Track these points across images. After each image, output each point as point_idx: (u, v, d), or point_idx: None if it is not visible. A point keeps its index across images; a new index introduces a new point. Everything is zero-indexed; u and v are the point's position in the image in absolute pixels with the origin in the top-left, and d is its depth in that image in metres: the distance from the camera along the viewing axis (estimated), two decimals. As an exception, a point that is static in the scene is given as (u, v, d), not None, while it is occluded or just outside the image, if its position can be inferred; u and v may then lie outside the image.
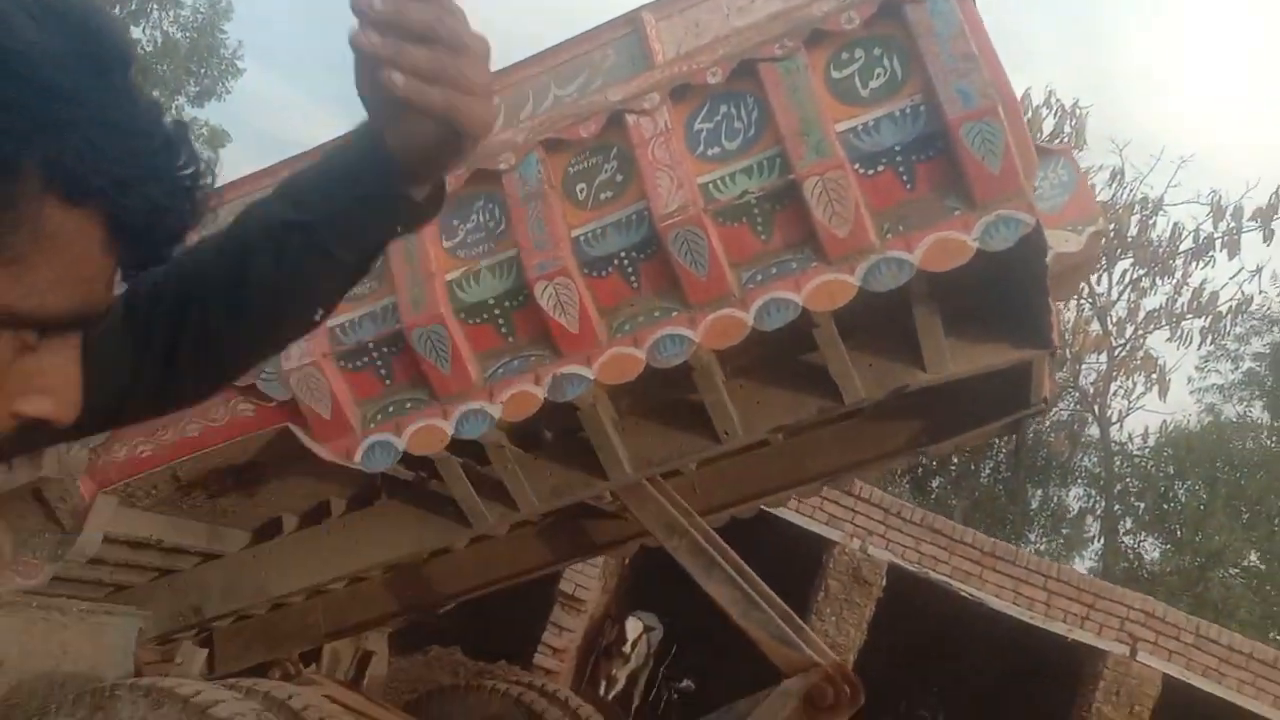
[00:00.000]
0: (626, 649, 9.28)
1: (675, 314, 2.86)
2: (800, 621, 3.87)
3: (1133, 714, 8.88)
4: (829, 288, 2.68)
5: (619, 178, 2.88)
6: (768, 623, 3.71)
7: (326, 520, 3.89)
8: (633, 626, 9.34)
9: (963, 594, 9.22)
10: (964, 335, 3.15)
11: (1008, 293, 3.07)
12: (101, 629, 3.86)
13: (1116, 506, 18.19)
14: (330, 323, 3.17)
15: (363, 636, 5.27)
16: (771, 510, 8.74)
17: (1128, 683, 8.94)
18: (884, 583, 9.19)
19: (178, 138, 0.69)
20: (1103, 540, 18.31)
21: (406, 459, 3.26)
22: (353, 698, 4.46)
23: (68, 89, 0.63)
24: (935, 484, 18.15)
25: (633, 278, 2.91)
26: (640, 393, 3.44)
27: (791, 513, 9.01)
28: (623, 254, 2.89)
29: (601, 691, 8.85)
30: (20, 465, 3.37)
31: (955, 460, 17.94)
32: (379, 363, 3.14)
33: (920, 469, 17.46)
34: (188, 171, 0.69)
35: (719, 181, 2.76)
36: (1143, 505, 18.44)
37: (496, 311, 3.03)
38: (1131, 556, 18.46)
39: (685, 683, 9.68)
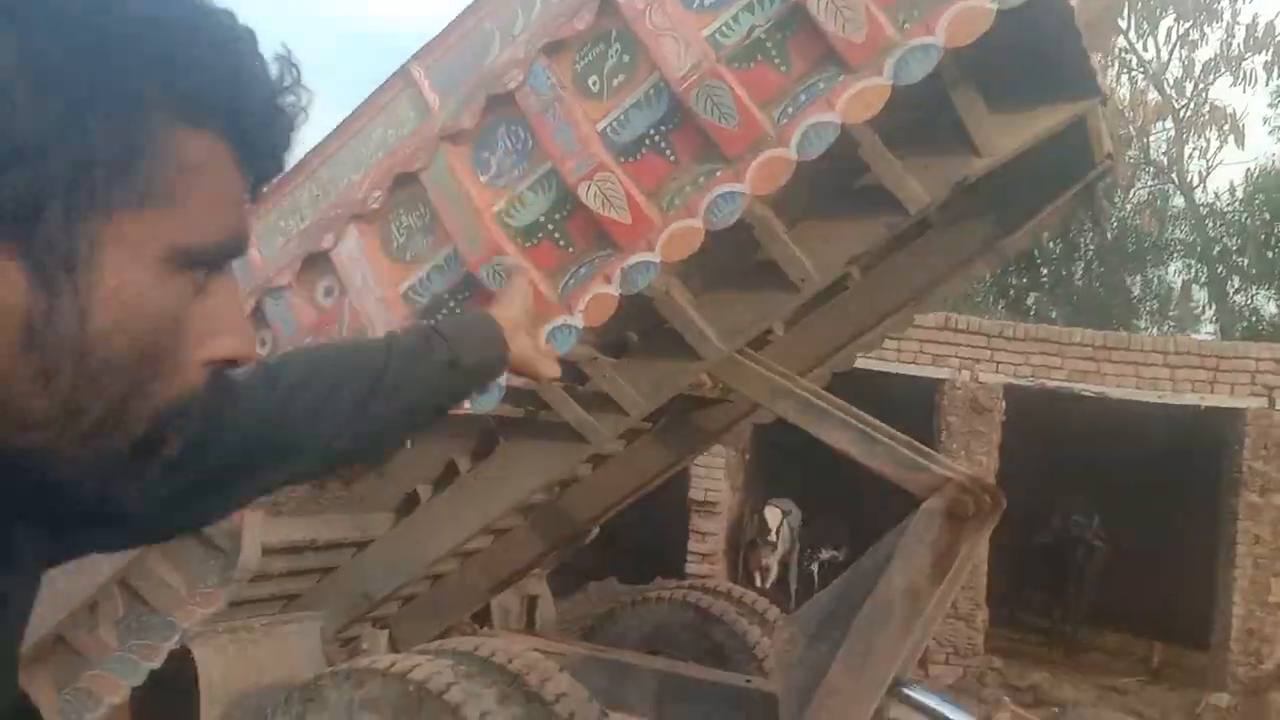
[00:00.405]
0: (772, 537, 9.44)
1: (719, 173, 2.86)
2: (925, 448, 3.89)
3: (1285, 462, 8.72)
4: (862, 96, 2.65)
5: (626, 58, 2.87)
6: (892, 453, 3.74)
7: (457, 479, 4.03)
8: (772, 515, 9.48)
9: (1085, 394, 9.11)
10: (1009, 108, 3.08)
11: (1042, 52, 2.99)
12: (287, 638, 4.09)
13: (1219, 268, 17.59)
14: (401, 287, 3.26)
15: (523, 585, 5.48)
16: (875, 366, 8.74)
17: (1273, 433, 8.76)
18: (1003, 405, 9.12)
19: (254, 41, 0.69)
20: (1214, 306, 17.78)
21: (511, 392, 3.35)
22: (532, 640, 4.67)
23: (166, 15, 0.63)
24: (1030, 300, 17.77)
25: (668, 152, 2.91)
26: (709, 268, 3.47)
27: (894, 363, 8.98)
28: (652, 131, 2.89)
29: (758, 582, 9.04)
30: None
31: (1045, 271, 17.55)
32: (457, 310, 3.22)
33: (1012, 289, 17.13)
34: (276, 74, 0.70)
35: (723, 28, 2.74)
36: (1246, 260, 17.79)
37: (550, 227, 3.07)
38: (1247, 314, 17.89)
39: (830, 553, 9.80)
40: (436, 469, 4.11)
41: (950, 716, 3.86)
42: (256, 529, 3.62)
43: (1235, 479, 8.80)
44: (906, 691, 3.90)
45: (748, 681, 4.56)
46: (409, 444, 3.71)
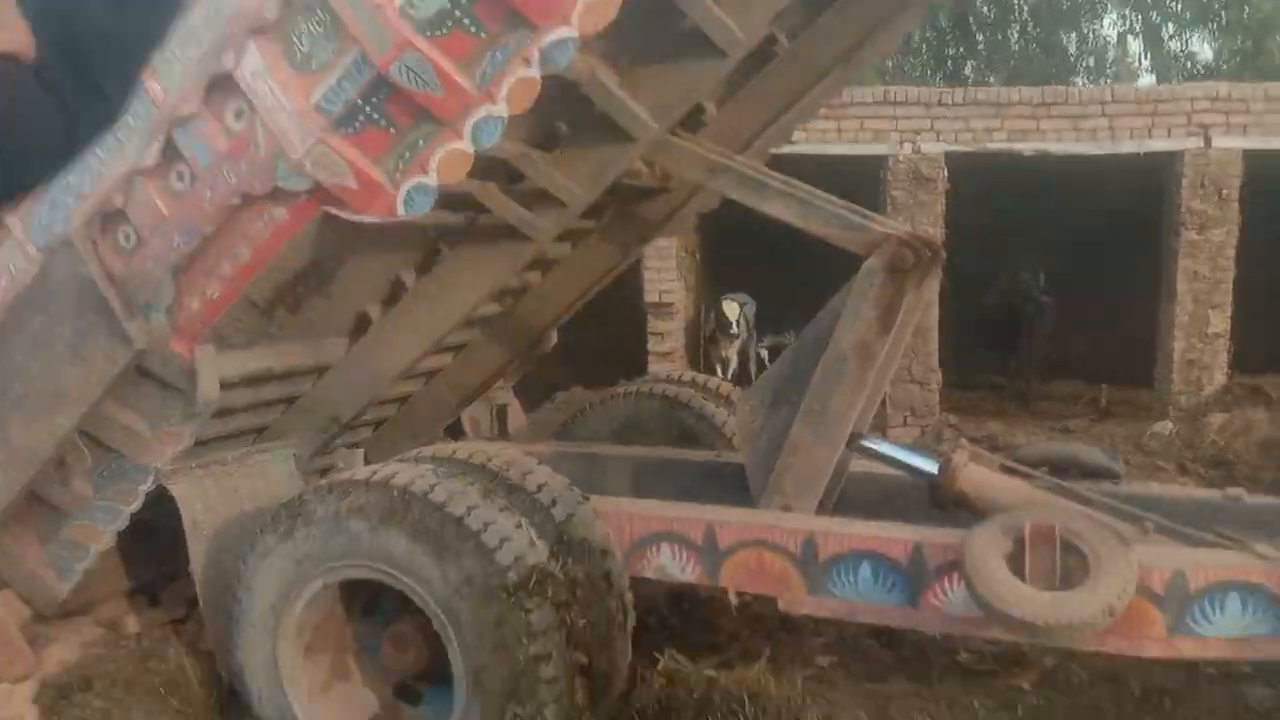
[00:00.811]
0: (734, 330, 9.61)
1: (626, -65, 2.73)
2: (864, 210, 3.91)
3: (1222, 199, 8.88)
4: None
5: None
6: (831, 216, 3.77)
7: (405, 293, 4.02)
8: (730, 308, 9.62)
9: (1026, 153, 9.13)
10: None
11: None
12: (263, 467, 4.17)
13: (1154, 15, 17.37)
14: (313, 99, 3.14)
15: (490, 397, 5.58)
16: (817, 150, 8.68)
17: (1210, 171, 8.88)
18: (945, 174, 9.14)
19: None
20: (1149, 55, 17.67)
21: (447, 200, 3.30)
22: (505, 444, 4.78)
23: None
24: (968, 70, 17.55)
25: (573, -81, 2.77)
26: (632, 44, 3.37)
27: (836, 144, 8.92)
28: (552, -104, 2.74)
29: (719, 374, 9.27)
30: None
31: (981, 37, 17.25)
32: (375, 115, 3.11)
33: (949, 59, 16.87)
34: None
35: None
36: (1179, 4, 17.56)
37: (458, 13, 2.94)
38: (1183, 59, 17.82)
39: (785, 337, 10.00)
40: (383, 287, 4.08)
41: (908, 460, 4.06)
42: (209, 363, 3.62)
43: (1175, 220, 8.98)
44: (865, 444, 4.09)
45: (717, 456, 4.73)
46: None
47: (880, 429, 8.20)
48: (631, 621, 3.37)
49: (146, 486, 3.80)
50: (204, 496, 3.90)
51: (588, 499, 3.55)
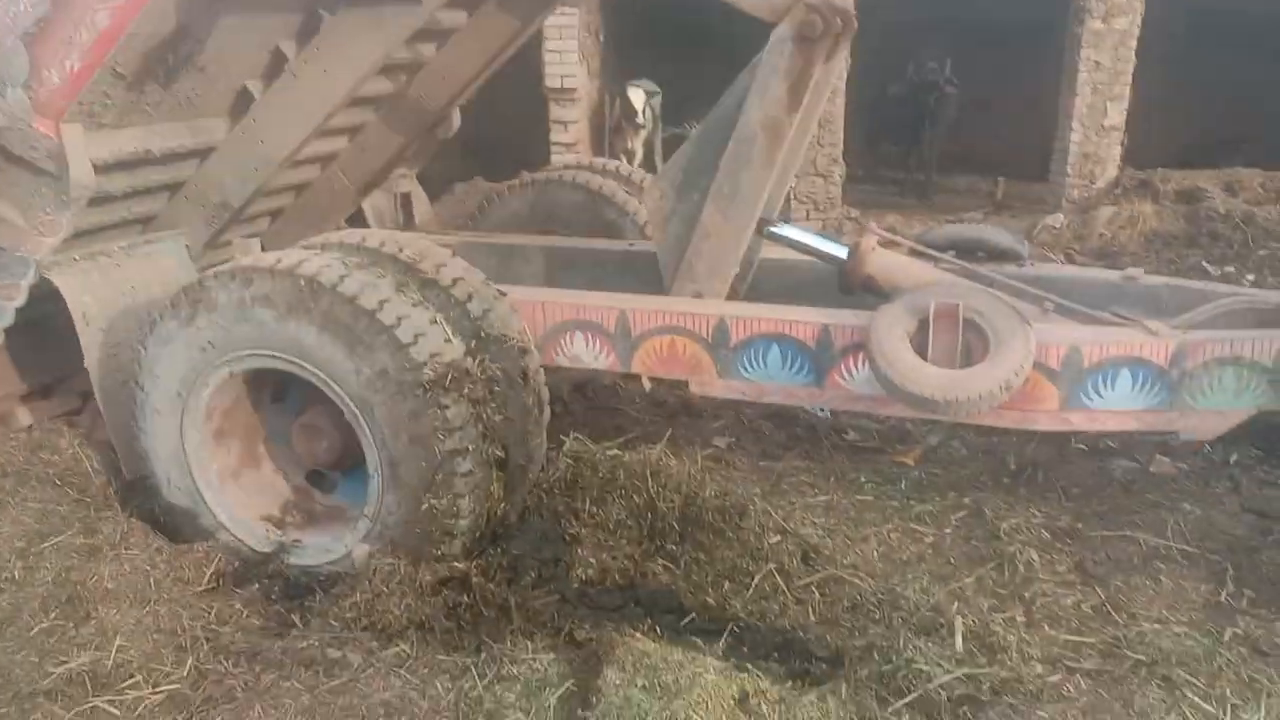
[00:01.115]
0: (639, 119, 9.32)
1: None
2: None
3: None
4: None
5: None
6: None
7: (286, 66, 3.72)
8: (635, 95, 9.29)
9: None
10: None
11: None
12: (153, 257, 3.93)
13: None
14: None
15: (392, 185, 5.34)
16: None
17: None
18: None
19: None
20: None
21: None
22: (416, 234, 4.59)
23: None
24: None
25: None
26: None
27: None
28: None
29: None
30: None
31: None
32: None
33: None
34: None
35: None
36: None
37: None
38: None
39: (686, 128, 9.77)
40: (262, 59, 3.76)
41: (817, 245, 4.06)
42: (78, 143, 3.32)
43: (1080, 6, 8.89)
44: (773, 229, 4.06)
45: (630, 245, 4.66)
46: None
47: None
48: (547, 416, 3.38)
49: (29, 279, 3.55)
50: (91, 288, 3.67)
51: (504, 294, 3.46)
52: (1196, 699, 2.56)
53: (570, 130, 8.78)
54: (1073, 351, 3.26)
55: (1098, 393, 3.29)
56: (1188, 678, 2.63)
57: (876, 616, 2.89)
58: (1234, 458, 4.04)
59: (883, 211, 9.38)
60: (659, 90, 9.82)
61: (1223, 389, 3.32)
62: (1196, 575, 3.19)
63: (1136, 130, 9.29)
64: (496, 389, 3.21)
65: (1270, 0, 9.56)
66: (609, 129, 9.49)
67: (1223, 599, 3.06)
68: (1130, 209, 8.41)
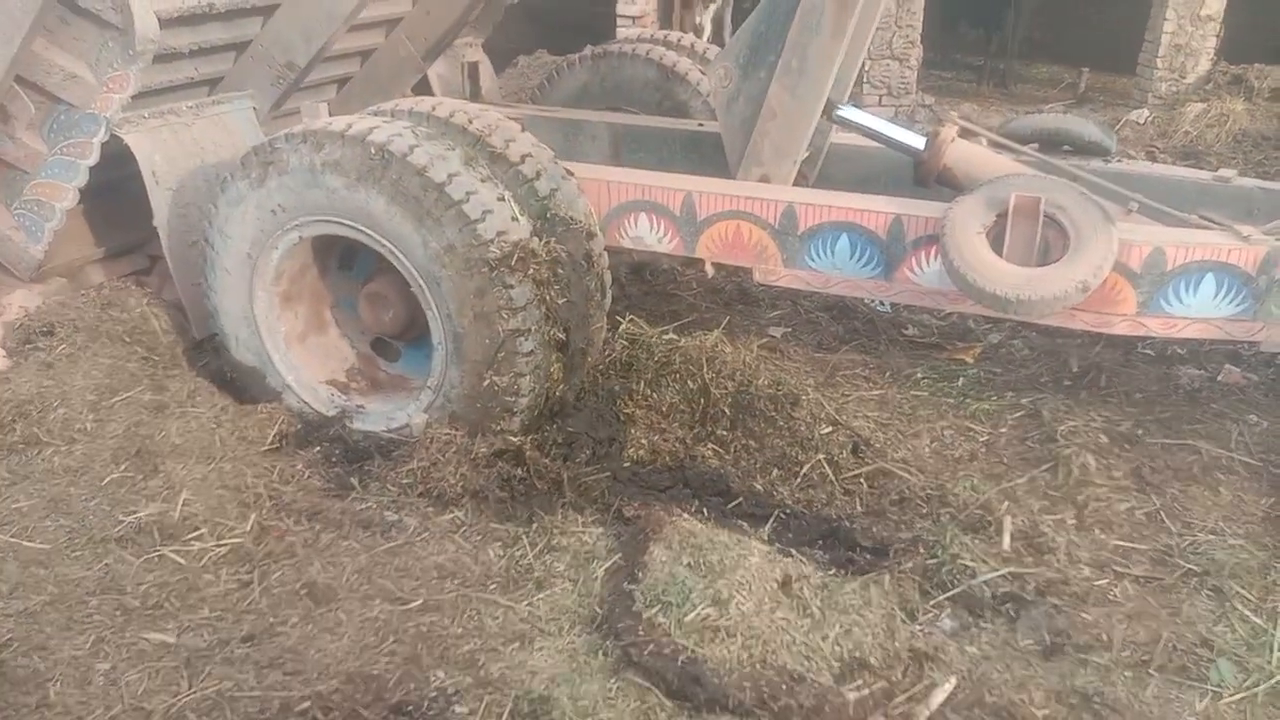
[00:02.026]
0: (705, -7, 8.99)
1: None
2: None
3: None
4: None
5: None
6: None
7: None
8: (702, -26, 8.93)
9: None
10: None
11: None
12: (221, 118, 3.93)
13: None
14: None
15: (458, 53, 5.24)
16: None
17: None
18: None
19: None
20: None
21: None
22: (485, 105, 4.52)
23: None
24: None
25: None
26: None
27: None
28: None
29: (695, 42, 8.76)
30: None
31: None
32: None
33: None
34: None
35: None
36: None
37: None
38: None
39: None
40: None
41: (891, 134, 3.92)
42: (142, -7, 3.29)
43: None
44: (842, 113, 3.91)
45: (700, 125, 4.55)
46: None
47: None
48: (608, 300, 3.37)
49: (100, 137, 3.58)
50: (162, 147, 3.69)
51: (572, 174, 3.41)
52: (1247, 611, 2.54)
53: (637, 3, 8.50)
54: (1156, 253, 3.15)
55: (1179, 298, 3.19)
56: (1239, 590, 2.61)
57: (924, 511, 2.90)
58: (1305, 370, 3.93)
59: (959, 99, 9.05)
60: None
61: (1313, 301, 3.20)
62: (1258, 488, 3.13)
63: (1235, 21, 8.74)
64: (561, 271, 3.19)
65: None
66: (679, 2, 9.17)
67: (1283, 512, 3.02)
68: (1221, 106, 7.99)
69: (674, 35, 5.35)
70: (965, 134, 3.93)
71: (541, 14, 7.21)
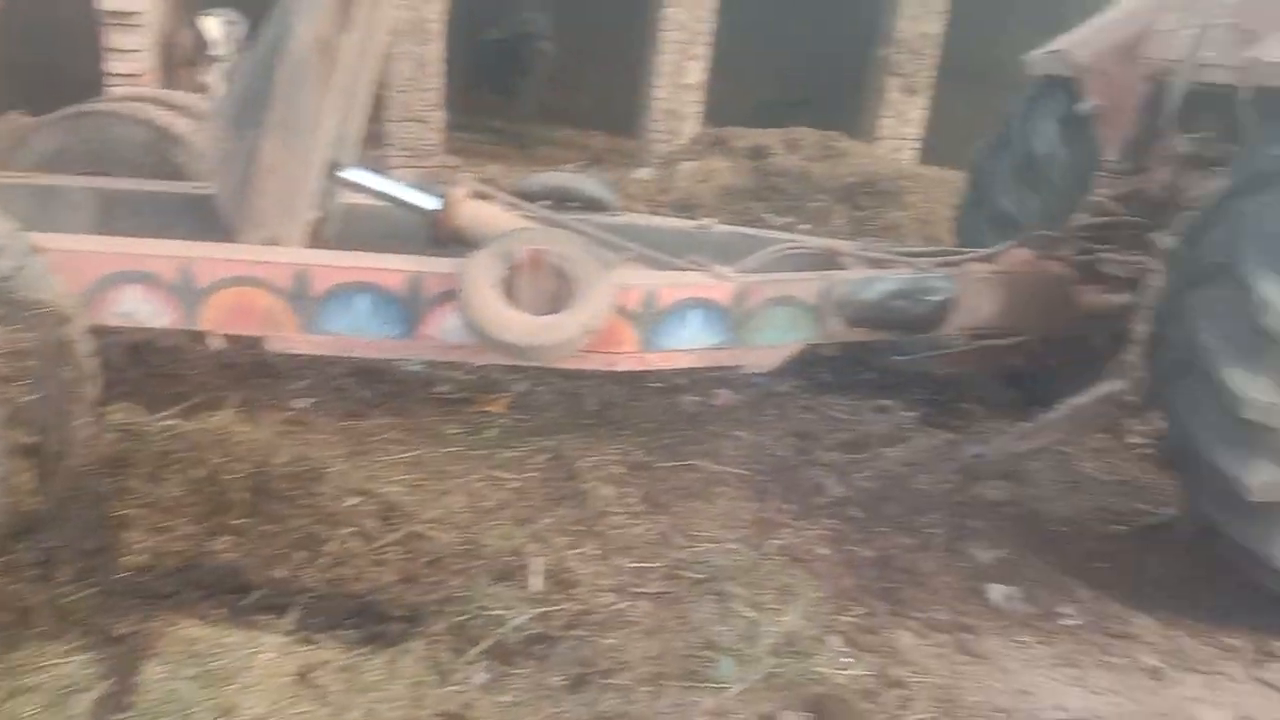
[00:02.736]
0: (214, 50, 8.51)
1: None
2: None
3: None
4: None
5: None
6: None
7: None
8: (212, 24, 8.46)
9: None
10: None
11: None
12: None
13: None
14: None
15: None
16: None
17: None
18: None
19: None
20: None
21: None
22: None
23: None
24: None
25: None
26: None
27: None
28: None
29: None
30: None
31: None
32: None
33: None
34: None
35: None
36: None
37: None
38: None
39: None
40: None
41: (401, 194, 3.94)
42: None
43: (662, -32, 9.41)
44: (347, 174, 3.86)
45: (198, 188, 4.23)
46: None
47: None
48: (95, 391, 2.98)
49: None
50: None
51: (41, 249, 2.98)
52: (743, 608, 2.84)
53: (130, 60, 7.82)
54: (650, 294, 3.46)
55: (673, 333, 3.53)
56: (736, 589, 2.91)
57: (457, 568, 2.90)
58: (783, 388, 4.54)
59: (485, 161, 9.41)
60: (242, 19, 9.03)
61: (777, 325, 3.70)
62: (747, 495, 3.54)
63: (716, 89, 10.04)
64: (26, 364, 2.77)
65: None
66: (179, 61, 8.58)
67: (768, 515, 3.43)
68: (708, 164, 9.11)
69: (170, 94, 4.97)
70: (478, 194, 4.07)
71: (16, 66, 6.36)
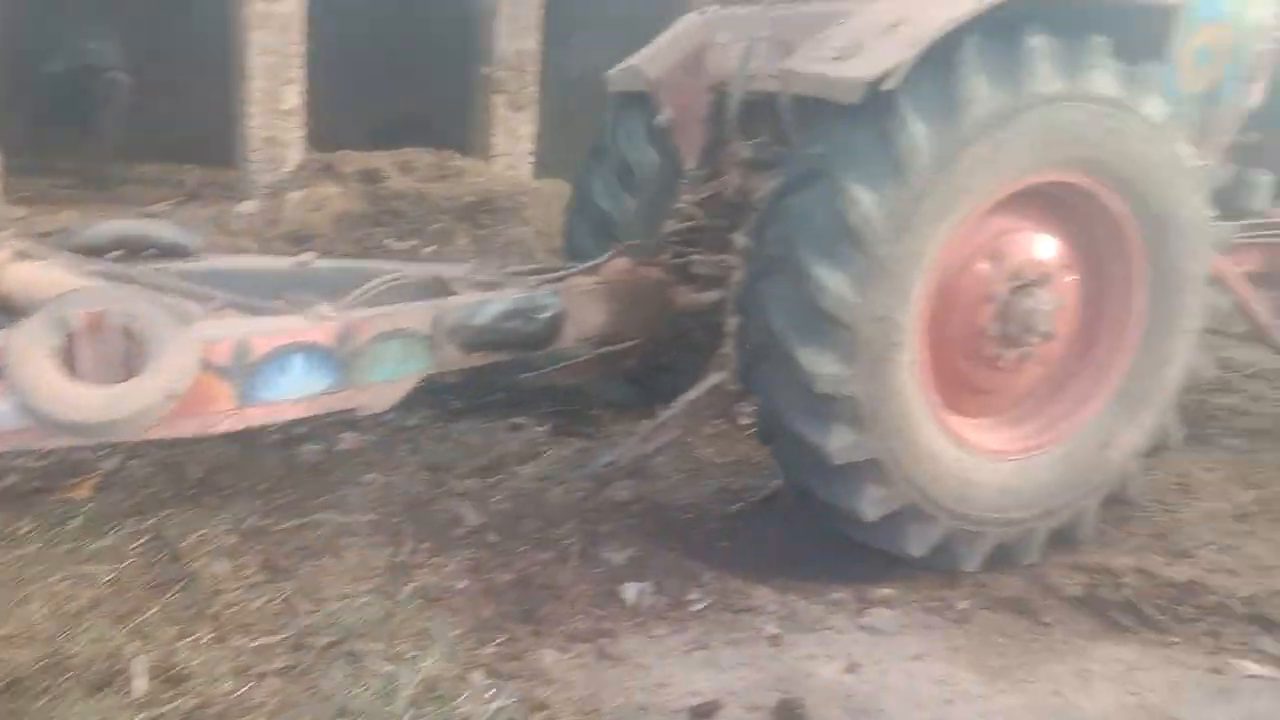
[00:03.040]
0: None
1: None
2: None
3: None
4: None
5: None
6: None
7: None
8: None
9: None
10: None
11: None
12: None
13: None
14: None
15: None
16: None
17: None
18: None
19: None
20: None
21: None
22: None
23: None
24: None
25: None
26: None
27: None
28: None
29: None
30: None
31: None
32: None
33: None
34: None
35: None
36: None
37: None
38: None
39: None
40: None
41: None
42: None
43: (240, -11, 8.88)
44: None
45: None
46: None
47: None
48: None
49: None
50: None
51: None
52: (378, 663, 2.70)
53: None
54: (241, 345, 3.21)
55: (273, 383, 3.30)
56: (369, 646, 2.77)
57: (41, 689, 2.51)
58: (413, 421, 4.42)
59: (56, 208, 8.37)
60: None
61: (390, 360, 3.58)
62: (380, 541, 3.39)
63: (319, 114, 9.64)
64: None
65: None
66: None
67: (402, 558, 3.31)
68: (318, 192, 8.71)
69: None
70: (21, 254, 3.59)
71: None
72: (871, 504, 3.30)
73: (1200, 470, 4.62)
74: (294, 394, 3.35)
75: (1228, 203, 3.89)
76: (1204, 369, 3.85)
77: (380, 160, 9.37)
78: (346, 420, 4.28)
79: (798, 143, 3.55)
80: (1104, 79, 3.30)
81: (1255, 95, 4.40)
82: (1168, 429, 3.80)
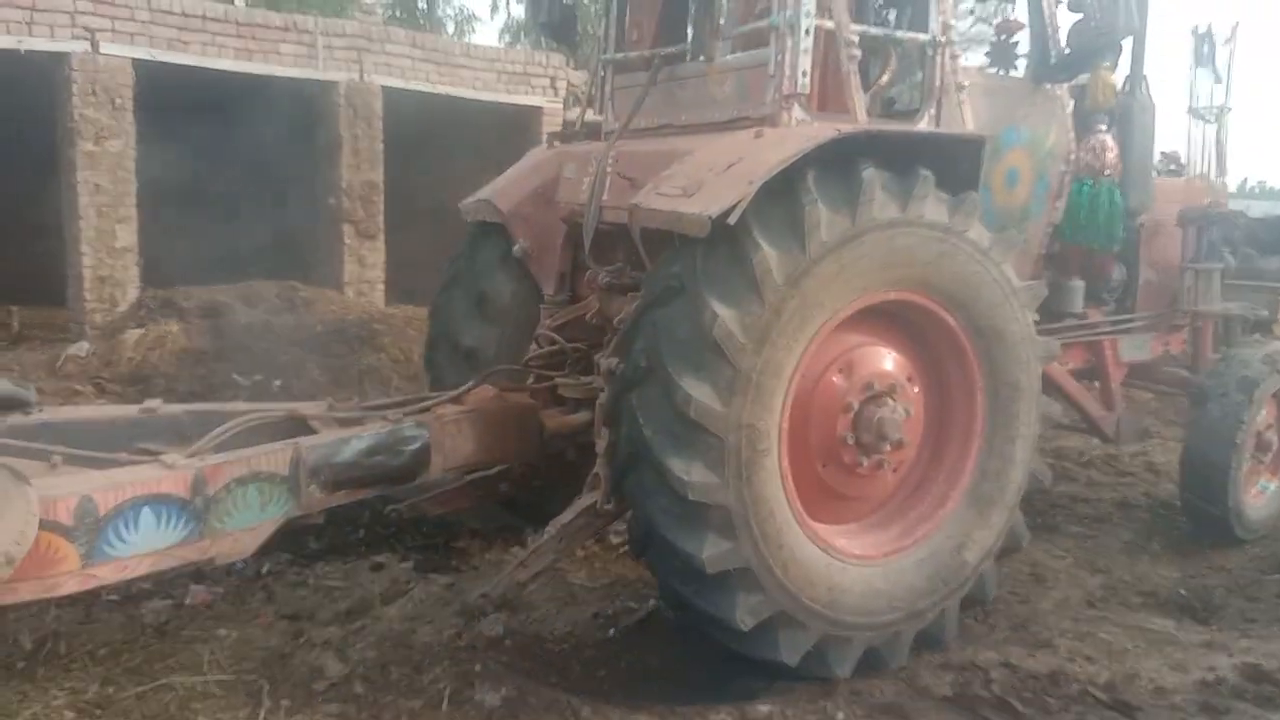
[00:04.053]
0: None
1: None
2: None
3: (115, 108, 8.76)
4: None
5: None
6: None
7: None
8: None
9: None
10: None
11: None
12: None
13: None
14: None
15: None
16: None
17: (100, 78, 8.65)
18: None
19: None
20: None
21: None
22: None
23: None
24: None
25: None
26: None
27: None
28: None
29: None
30: None
31: None
32: None
33: None
34: None
35: None
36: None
37: None
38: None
39: None
40: None
41: None
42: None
43: (70, 129, 8.58)
44: None
45: None
46: None
47: None
48: None
49: None
50: None
51: None
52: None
53: None
54: (85, 502, 3.03)
55: (121, 539, 3.11)
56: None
57: None
58: (266, 568, 4.20)
59: None
60: None
61: (249, 506, 3.42)
62: (236, 702, 3.17)
63: (154, 251, 9.30)
64: None
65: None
66: None
67: (262, 716, 3.09)
68: (158, 329, 8.37)
69: None
70: None
71: None
72: (745, 612, 3.33)
73: (1049, 559, 4.87)
74: (145, 548, 3.16)
75: (1046, 307, 4.22)
76: (1044, 475, 4.11)
77: (223, 294, 9.11)
78: (193, 573, 4.04)
79: (657, 263, 3.65)
80: (933, 207, 3.58)
81: (1058, 212, 4.86)
82: (1017, 531, 4.02)
